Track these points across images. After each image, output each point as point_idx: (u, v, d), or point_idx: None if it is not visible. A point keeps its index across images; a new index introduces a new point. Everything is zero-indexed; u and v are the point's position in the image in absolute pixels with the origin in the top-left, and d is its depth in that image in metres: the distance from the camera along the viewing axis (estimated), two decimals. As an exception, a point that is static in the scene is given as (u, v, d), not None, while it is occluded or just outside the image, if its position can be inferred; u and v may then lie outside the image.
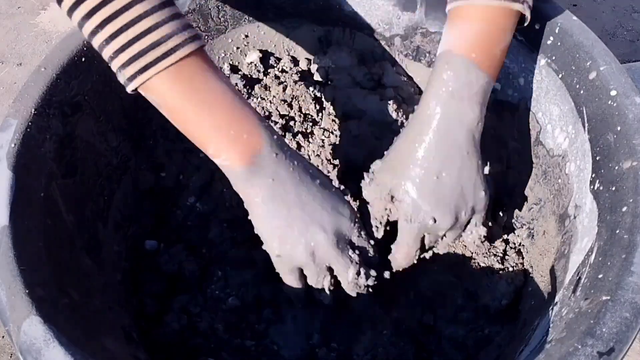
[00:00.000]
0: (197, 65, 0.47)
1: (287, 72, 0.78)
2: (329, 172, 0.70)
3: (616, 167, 0.50)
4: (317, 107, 0.76)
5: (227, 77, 0.70)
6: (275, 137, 0.52)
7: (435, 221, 0.56)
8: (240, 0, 0.72)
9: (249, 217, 0.54)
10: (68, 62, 0.59)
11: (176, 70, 0.46)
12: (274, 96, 0.76)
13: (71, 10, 0.46)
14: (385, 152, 0.60)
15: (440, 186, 0.55)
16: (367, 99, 0.77)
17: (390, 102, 0.75)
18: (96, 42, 0.47)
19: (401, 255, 0.60)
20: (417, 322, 0.63)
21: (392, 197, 0.57)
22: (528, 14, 0.52)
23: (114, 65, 0.47)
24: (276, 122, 0.74)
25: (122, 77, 0.47)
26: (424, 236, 0.59)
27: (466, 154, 0.54)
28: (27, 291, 0.44)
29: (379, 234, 0.60)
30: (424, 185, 0.55)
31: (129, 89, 0.48)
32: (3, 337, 0.89)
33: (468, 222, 0.59)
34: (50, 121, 0.56)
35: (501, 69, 0.54)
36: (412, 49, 0.74)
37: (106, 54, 0.47)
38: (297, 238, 0.53)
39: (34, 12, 1.36)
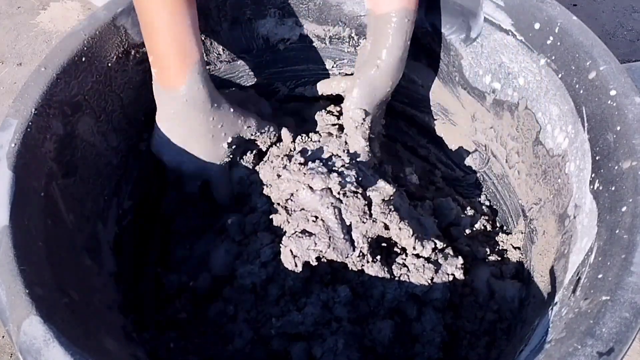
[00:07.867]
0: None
1: None
2: None
3: (616, 167, 0.50)
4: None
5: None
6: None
7: None
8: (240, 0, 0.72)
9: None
10: (68, 62, 0.59)
11: None
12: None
13: None
14: None
15: None
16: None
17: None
18: None
19: None
20: None
21: None
22: None
23: None
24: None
25: None
26: None
27: None
28: (27, 291, 0.44)
29: None
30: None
31: None
32: (3, 337, 0.89)
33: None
34: (50, 121, 0.56)
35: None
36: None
37: None
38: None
39: (34, 12, 1.36)
